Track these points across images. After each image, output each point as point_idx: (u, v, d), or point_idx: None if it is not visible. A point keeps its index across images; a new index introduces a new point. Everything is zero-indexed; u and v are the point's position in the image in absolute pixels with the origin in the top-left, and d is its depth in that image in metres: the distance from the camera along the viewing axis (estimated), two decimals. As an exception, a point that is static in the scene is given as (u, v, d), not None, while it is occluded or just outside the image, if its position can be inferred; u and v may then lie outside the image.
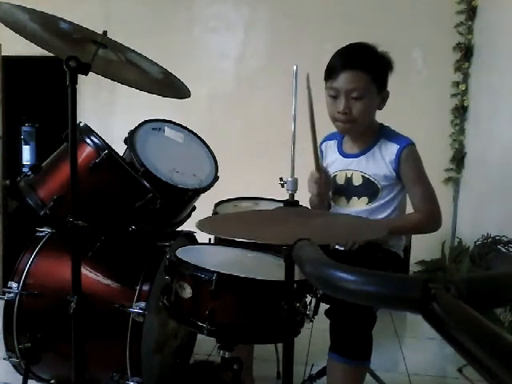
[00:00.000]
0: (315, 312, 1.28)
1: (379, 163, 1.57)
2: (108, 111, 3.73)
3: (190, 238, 1.72)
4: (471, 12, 3.17)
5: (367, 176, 1.59)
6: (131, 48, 1.39)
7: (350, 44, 1.58)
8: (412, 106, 3.24)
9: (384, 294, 0.55)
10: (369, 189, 1.59)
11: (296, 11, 3.44)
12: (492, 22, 2.96)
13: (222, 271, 1.23)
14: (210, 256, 1.53)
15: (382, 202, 1.59)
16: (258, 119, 3.50)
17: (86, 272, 1.55)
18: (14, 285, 1.61)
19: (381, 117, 1.62)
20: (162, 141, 1.64)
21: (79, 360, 1.31)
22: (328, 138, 1.74)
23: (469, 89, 3.23)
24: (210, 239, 1.65)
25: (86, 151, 1.47)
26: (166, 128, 1.67)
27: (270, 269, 1.41)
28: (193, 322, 1.25)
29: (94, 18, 3.15)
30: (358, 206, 1.61)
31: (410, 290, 0.52)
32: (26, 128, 3.80)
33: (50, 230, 1.70)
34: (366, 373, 1.49)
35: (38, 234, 1.71)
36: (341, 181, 1.64)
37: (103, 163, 1.44)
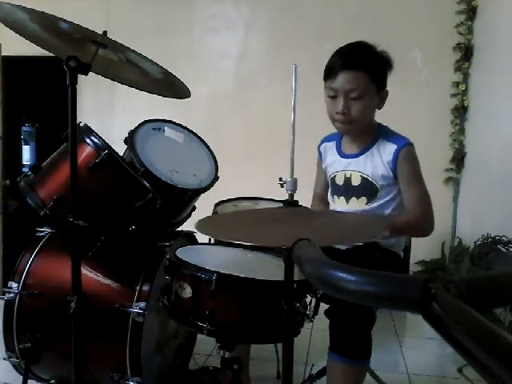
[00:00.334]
0: (315, 312, 1.28)
1: (377, 163, 1.57)
2: (108, 111, 3.73)
3: (190, 238, 1.72)
4: (471, 12, 3.18)
5: (366, 176, 1.58)
6: (131, 48, 1.39)
7: (349, 44, 1.57)
8: (412, 106, 3.24)
9: (384, 294, 0.55)
10: (367, 189, 1.59)
11: (296, 11, 3.45)
12: (492, 22, 2.96)
13: (222, 271, 1.23)
14: (210, 256, 1.53)
15: (381, 202, 1.58)
16: (258, 119, 3.50)
17: (86, 272, 1.55)
18: (14, 285, 1.61)
19: (381, 117, 1.62)
20: (162, 141, 1.64)
21: (79, 360, 1.31)
22: (326, 140, 1.73)
23: (469, 89, 3.23)
24: (210, 239, 1.65)
25: (86, 151, 1.47)
26: (166, 128, 1.67)
27: (269, 269, 1.41)
28: (193, 322, 1.25)
29: (93, 17, 3.15)
30: (357, 206, 1.61)
31: (410, 290, 0.52)
32: (25, 128, 3.81)
33: (49, 230, 1.70)
34: (365, 373, 1.49)
35: (38, 233, 1.71)
36: (340, 181, 1.64)
37: (103, 163, 1.44)
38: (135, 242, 1.57)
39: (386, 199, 1.59)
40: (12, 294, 1.60)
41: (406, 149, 1.54)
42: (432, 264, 3.20)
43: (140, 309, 1.49)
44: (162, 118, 1.69)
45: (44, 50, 1.35)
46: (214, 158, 1.72)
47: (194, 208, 1.74)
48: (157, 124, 1.66)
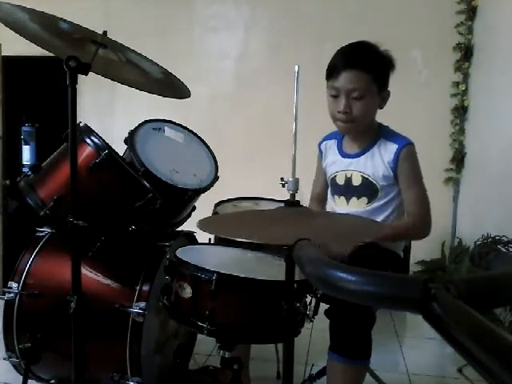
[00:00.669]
0: (315, 312, 1.28)
1: (378, 163, 1.57)
2: (108, 111, 3.73)
3: (190, 238, 1.72)
4: (471, 12, 3.17)
5: (366, 176, 1.58)
6: (131, 48, 1.39)
7: (352, 43, 1.57)
8: (412, 106, 3.24)
9: (384, 294, 0.55)
10: (368, 189, 1.59)
11: (296, 11, 3.45)
12: (492, 22, 2.96)
13: (222, 271, 1.23)
14: (210, 256, 1.53)
15: (382, 202, 1.58)
16: (259, 119, 3.50)
17: (86, 272, 1.55)
18: (14, 285, 1.61)
19: (381, 116, 1.62)
20: (162, 141, 1.64)
21: (79, 360, 1.31)
22: (327, 138, 1.73)
23: (469, 89, 3.23)
24: (209, 239, 1.65)
25: (86, 151, 1.47)
26: (166, 128, 1.67)
27: (270, 269, 1.41)
28: (193, 322, 1.25)
29: (93, 17, 3.14)
30: (358, 206, 1.61)
31: (410, 290, 0.52)
32: (26, 128, 3.81)
33: (49, 230, 1.70)
34: (365, 372, 1.49)
35: (38, 233, 1.71)
36: (341, 181, 1.64)
37: (103, 163, 1.44)
38: (135, 242, 1.57)
39: (386, 200, 1.59)
40: (12, 294, 1.60)
41: (407, 149, 1.54)
42: (432, 264, 3.20)
43: (140, 309, 1.49)
44: (161, 118, 1.69)
45: (44, 50, 1.34)
46: (214, 158, 1.72)
47: (194, 208, 1.74)
48: (157, 124, 1.66)
